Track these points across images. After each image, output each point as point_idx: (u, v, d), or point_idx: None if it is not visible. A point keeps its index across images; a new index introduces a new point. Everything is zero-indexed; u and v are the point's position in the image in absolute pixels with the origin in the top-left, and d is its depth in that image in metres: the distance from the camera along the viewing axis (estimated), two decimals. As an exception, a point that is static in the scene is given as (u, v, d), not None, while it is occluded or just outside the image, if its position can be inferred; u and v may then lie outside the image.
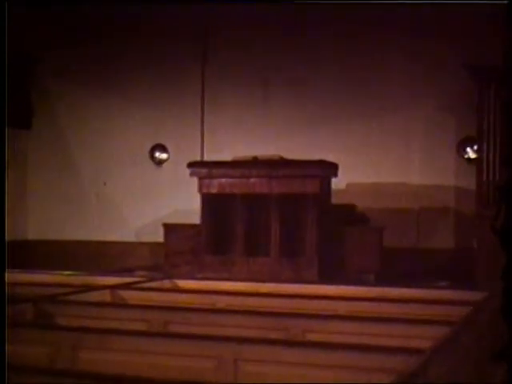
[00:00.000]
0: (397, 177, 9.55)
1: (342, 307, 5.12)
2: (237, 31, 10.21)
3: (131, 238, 10.54)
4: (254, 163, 8.40)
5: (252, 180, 8.35)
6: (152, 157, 10.63)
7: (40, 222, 10.99)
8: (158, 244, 9.36)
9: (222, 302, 5.59)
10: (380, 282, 7.71)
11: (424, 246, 9.42)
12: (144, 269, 9.42)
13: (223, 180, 8.47)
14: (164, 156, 10.63)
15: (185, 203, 9.87)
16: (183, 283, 6.64)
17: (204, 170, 8.54)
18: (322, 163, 8.18)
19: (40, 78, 11.12)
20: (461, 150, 9.29)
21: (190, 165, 8.63)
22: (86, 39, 10.80)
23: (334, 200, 8.82)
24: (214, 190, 8.52)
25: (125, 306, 5.25)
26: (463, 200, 9.22)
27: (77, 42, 10.81)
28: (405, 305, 5.29)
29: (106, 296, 5.82)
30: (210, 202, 8.62)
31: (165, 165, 10.61)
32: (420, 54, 9.43)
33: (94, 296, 5.68)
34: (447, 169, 9.39)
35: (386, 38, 9.59)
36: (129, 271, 9.16)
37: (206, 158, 10.08)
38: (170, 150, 10.57)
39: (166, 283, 6.66)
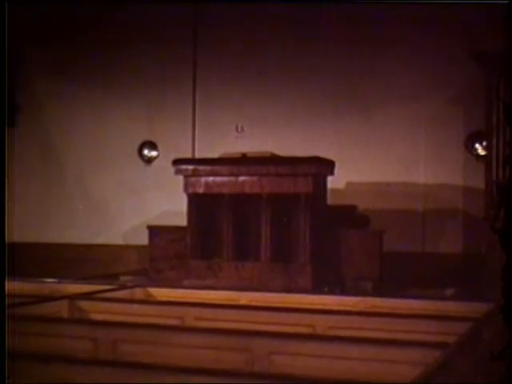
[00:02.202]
0: (401, 175, 8.90)
1: (323, 322, 4.48)
2: (229, 27, 9.59)
3: (119, 241, 9.94)
4: (243, 160, 7.76)
5: (241, 179, 7.70)
6: (141, 154, 10.03)
7: (24, 224, 10.39)
8: (146, 247, 8.75)
9: (192, 314, 4.99)
10: (378, 290, 7.07)
11: (430, 250, 8.78)
12: (129, 274, 8.85)
13: (210, 179, 7.83)
14: (153, 153, 10.03)
15: (175, 203, 9.22)
16: (156, 292, 6.04)
17: (189, 168, 7.90)
18: (315, 160, 7.50)
19: (25, 76, 10.56)
20: (469, 146, 8.63)
21: (175, 162, 7.99)
22: (74, 37, 10.23)
23: (333, 200, 8.19)
24: (200, 190, 7.88)
25: (71, 320, 4.62)
26: (472, 200, 8.55)
27: (64, 40, 10.26)
28: (397, 320, 4.64)
29: (62, 308, 5.21)
30: (196, 202, 7.98)
31: (154, 163, 10.01)
32: (425, 44, 8.79)
33: (48, 308, 5.07)
34: (455, 167, 8.73)
35: (390, 29, 8.95)
36: (112, 277, 8.61)
37: (197, 156, 9.48)
38: (159, 147, 9.97)
39: (137, 292, 6.06)
